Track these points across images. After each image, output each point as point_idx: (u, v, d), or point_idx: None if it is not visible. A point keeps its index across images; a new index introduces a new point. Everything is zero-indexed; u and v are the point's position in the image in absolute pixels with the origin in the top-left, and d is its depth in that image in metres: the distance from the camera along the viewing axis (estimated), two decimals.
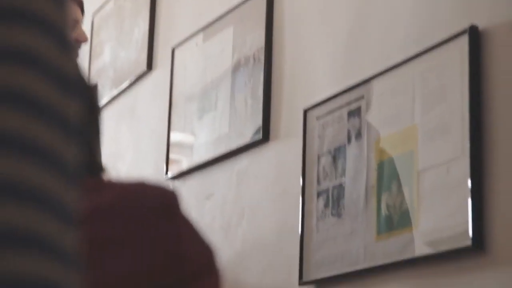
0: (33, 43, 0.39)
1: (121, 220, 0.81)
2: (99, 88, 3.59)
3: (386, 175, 2.04)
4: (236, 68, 2.69)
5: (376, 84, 2.12)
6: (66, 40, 0.41)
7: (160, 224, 0.82)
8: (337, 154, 2.22)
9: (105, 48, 3.64)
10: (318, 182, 2.26)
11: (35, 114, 0.38)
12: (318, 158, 2.28)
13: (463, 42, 1.89)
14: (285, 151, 2.44)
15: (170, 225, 0.83)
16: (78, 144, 0.41)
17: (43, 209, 0.38)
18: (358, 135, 2.16)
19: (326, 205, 2.22)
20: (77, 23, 2.30)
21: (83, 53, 3.63)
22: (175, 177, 2.91)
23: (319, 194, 2.25)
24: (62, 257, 0.38)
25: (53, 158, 0.39)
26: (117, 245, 0.79)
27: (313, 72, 2.38)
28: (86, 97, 0.95)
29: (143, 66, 3.27)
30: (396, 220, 1.99)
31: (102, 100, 3.53)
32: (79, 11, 2.31)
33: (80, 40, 2.29)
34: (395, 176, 2.02)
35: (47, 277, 0.37)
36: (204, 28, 2.91)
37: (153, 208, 0.82)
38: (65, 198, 0.39)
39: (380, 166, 2.07)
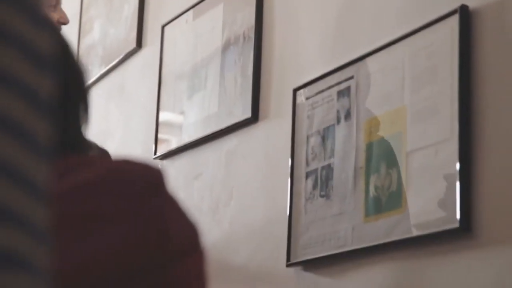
0: (4, 17, 0.39)
1: (106, 196, 0.81)
2: (88, 66, 3.56)
3: (375, 156, 2.03)
4: (226, 46, 2.67)
5: (366, 64, 2.10)
6: (39, 15, 0.41)
7: (146, 201, 0.82)
8: (326, 134, 2.20)
9: (95, 25, 3.61)
10: (307, 162, 2.24)
11: (4, 88, 0.38)
12: (307, 138, 2.26)
13: (454, 22, 1.87)
14: (274, 131, 2.42)
15: (156, 202, 0.83)
16: (51, 121, 0.41)
17: (13, 183, 0.38)
18: (348, 115, 2.14)
19: (314, 186, 2.20)
20: (57, 3, 2.27)
21: (72, 30, 3.60)
22: (164, 157, 2.90)
23: (307, 175, 2.23)
24: (31, 231, 0.38)
25: (23, 132, 0.39)
26: (102, 221, 0.79)
27: (303, 52, 2.36)
28: (75, 76, 0.94)
29: (133, 44, 3.25)
30: (384, 202, 1.98)
31: (91, 78, 3.51)
32: None
33: (61, 21, 2.27)
34: (384, 157, 2.00)
35: (16, 248, 0.37)
36: (194, 6, 2.88)
37: (139, 185, 0.82)
38: (36, 173, 0.39)
39: (369, 147, 2.05)
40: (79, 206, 0.78)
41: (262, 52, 2.52)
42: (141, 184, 0.82)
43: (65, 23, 2.28)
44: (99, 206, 0.79)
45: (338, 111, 2.17)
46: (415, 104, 1.94)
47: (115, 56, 3.37)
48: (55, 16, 2.25)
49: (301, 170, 2.26)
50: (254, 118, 2.48)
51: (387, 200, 1.97)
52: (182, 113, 2.84)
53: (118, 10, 3.43)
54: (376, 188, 2.01)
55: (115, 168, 0.83)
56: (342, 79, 2.17)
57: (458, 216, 1.78)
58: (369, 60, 2.10)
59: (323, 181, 2.17)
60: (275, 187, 2.35)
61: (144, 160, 0.87)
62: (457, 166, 1.80)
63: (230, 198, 2.53)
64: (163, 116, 2.95)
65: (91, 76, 3.51)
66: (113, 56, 3.39)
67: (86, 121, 0.94)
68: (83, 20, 3.70)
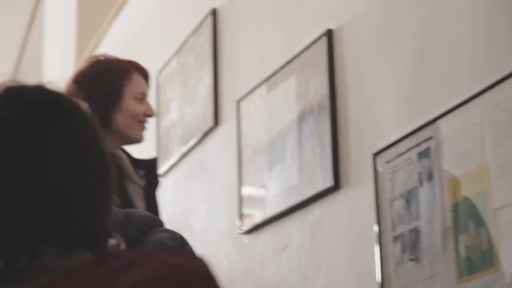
0: None
1: None
2: (168, 146, 3.63)
3: (462, 216, 2.00)
4: (301, 116, 2.69)
5: (443, 123, 2.09)
6: None
7: None
8: (409, 197, 2.18)
9: (172, 106, 3.69)
10: (393, 226, 2.22)
11: None
12: (391, 202, 2.24)
13: None
14: (357, 197, 2.41)
15: None
16: None
17: None
18: (430, 176, 2.12)
19: (403, 250, 2.18)
20: (144, 96, 2.30)
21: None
22: (249, 231, 2.90)
23: (395, 239, 2.21)
24: None
25: None
26: None
27: (378, 115, 2.36)
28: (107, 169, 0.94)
29: (210, 121, 3.30)
30: (476, 262, 1.94)
31: (172, 158, 3.56)
32: (145, 84, 2.31)
33: (148, 114, 2.29)
34: (470, 216, 1.97)
35: None
36: (267, 79, 2.92)
37: (196, 281, 0.83)
38: None
39: (455, 207, 2.02)
40: None
41: (337, 119, 2.53)
42: (198, 280, 0.83)
43: (150, 116, 2.30)
44: None
45: (419, 173, 2.16)
46: (498, 160, 1.91)
47: (194, 135, 3.42)
48: (141, 108, 2.27)
49: (388, 235, 2.24)
50: (336, 186, 2.47)
51: (480, 260, 1.93)
52: (263, 186, 2.86)
53: (193, 90, 3.50)
54: (466, 248, 1.97)
55: (170, 265, 0.84)
56: (421, 140, 2.16)
57: None
58: (446, 119, 2.08)
59: (412, 244, 2.15)
60: (363, 254, 2.33)
61: (189, 251, 0.88)
62: None
63: (319, 268, 2.52)
64: (245, 190, 2.98)
65: (172, 156, 3.57)
66: (192, 134, 3.44)
67: (109, 210, 0.94)
68: (160, 102, 3.79)
